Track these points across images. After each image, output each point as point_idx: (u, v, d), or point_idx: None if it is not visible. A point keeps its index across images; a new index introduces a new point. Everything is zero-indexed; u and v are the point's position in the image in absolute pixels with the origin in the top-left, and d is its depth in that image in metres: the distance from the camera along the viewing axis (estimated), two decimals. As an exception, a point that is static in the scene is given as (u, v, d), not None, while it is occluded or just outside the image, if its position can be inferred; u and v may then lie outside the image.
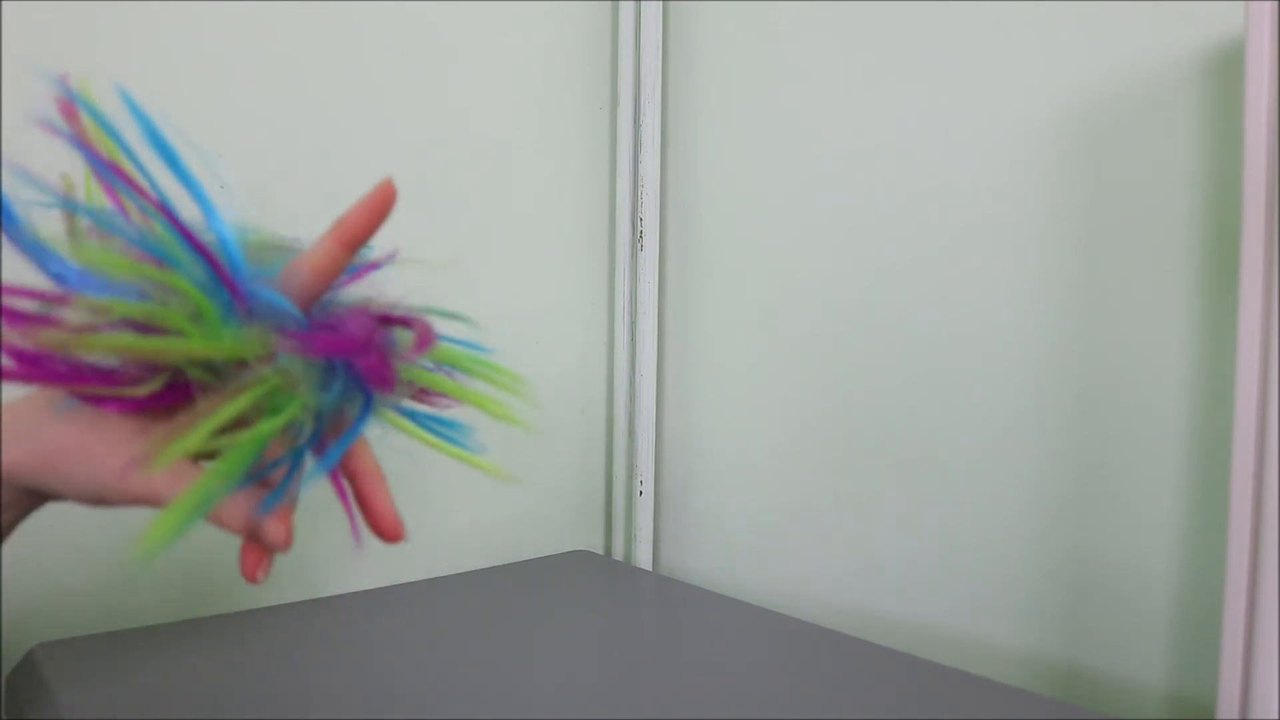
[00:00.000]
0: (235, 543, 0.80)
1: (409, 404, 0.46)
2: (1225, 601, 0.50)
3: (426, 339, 0.43)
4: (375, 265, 0.46)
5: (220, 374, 0.39)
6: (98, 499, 0.41)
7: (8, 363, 0.37)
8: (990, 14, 0.71)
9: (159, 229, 0.40)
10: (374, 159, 0.83)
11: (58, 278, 0.38)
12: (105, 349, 0.38)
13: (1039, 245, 0.69)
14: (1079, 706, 0.63)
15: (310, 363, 0.39)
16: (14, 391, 0.40)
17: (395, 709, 0.56)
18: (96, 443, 0.40)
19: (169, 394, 0.39)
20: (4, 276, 0.37)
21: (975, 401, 0.73)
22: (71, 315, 0.38)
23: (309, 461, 0.42)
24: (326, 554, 0.82)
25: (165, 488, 0.39)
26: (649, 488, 0.95)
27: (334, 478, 0.44)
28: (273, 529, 0.42)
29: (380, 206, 0.42)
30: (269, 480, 0.43)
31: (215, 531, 0.80)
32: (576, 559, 0.91)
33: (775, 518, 0.88)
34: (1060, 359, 0.69)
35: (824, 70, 0.83)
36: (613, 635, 0.73)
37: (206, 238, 0.41)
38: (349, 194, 0.87)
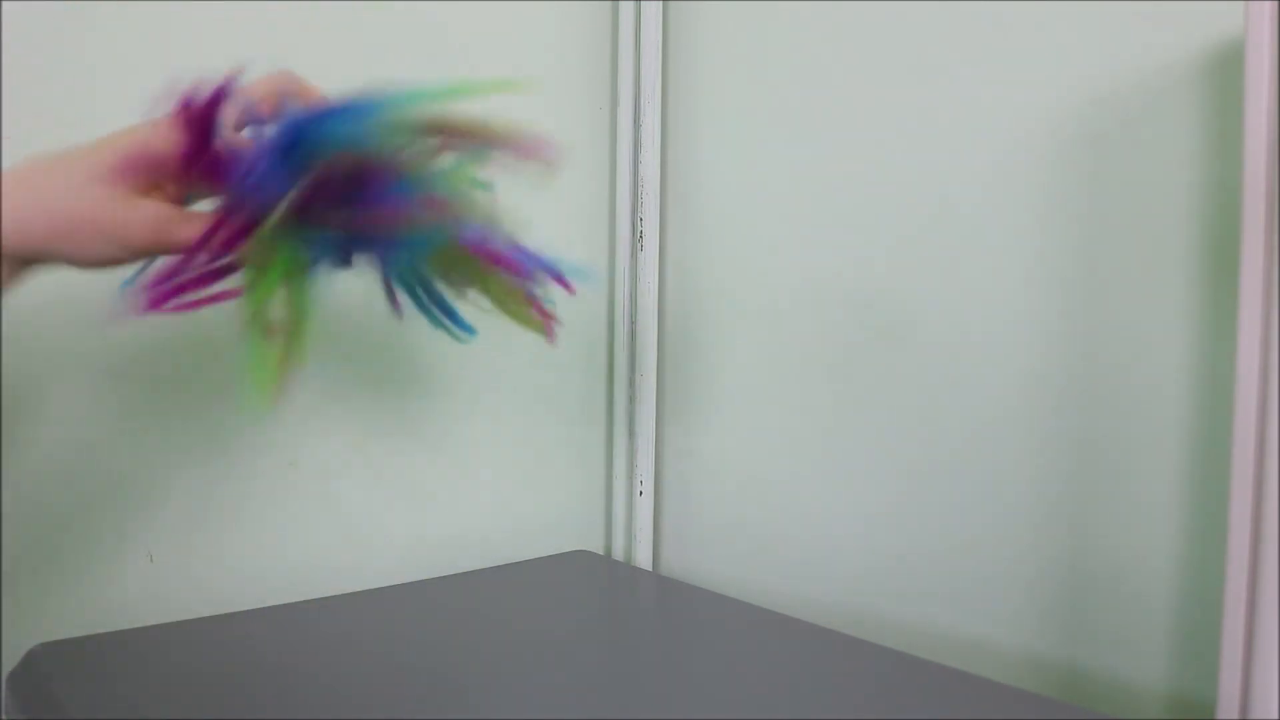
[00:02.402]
0: (233, 545, 0.80)
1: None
2: (1225, 601, 0.50)
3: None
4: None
5: None
6: (111, 262, 0.46)
7: None
8: (990, 14, 0.71)
9: None
10: (374, 159, 0.83)
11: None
12: None
13: (1039, 245, 0.69)
14: (1079, 706, 0.63)
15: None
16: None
17: (395, 709, 0.56)
18: (129, 213, 0.45)
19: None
20: None
21: (976, 401, 0.73)
22: None
23: None
24: (326, 554, 0.82)
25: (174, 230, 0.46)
26: (649, 488, 0.95)
27: None
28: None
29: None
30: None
31: (215, 532, 0.81)
32: (576, 559, 0.91)
33: (775, 517, 0.88)
34: (1060, 359, 0.69)
35: (824, 70, 0.83)
36: (613, 635, 0.73)
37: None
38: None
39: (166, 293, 0.47)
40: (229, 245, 0.46)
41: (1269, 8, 0.48)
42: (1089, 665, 0.67)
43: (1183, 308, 0.63)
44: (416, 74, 0.86)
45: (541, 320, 0.53)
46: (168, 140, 0.46)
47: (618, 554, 0.98)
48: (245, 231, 0.46)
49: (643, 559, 0.95)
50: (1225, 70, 0.60)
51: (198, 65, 0.68)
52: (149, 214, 0.45)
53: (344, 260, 0.48)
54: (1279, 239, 0.48)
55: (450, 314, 0.53)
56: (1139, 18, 0.64)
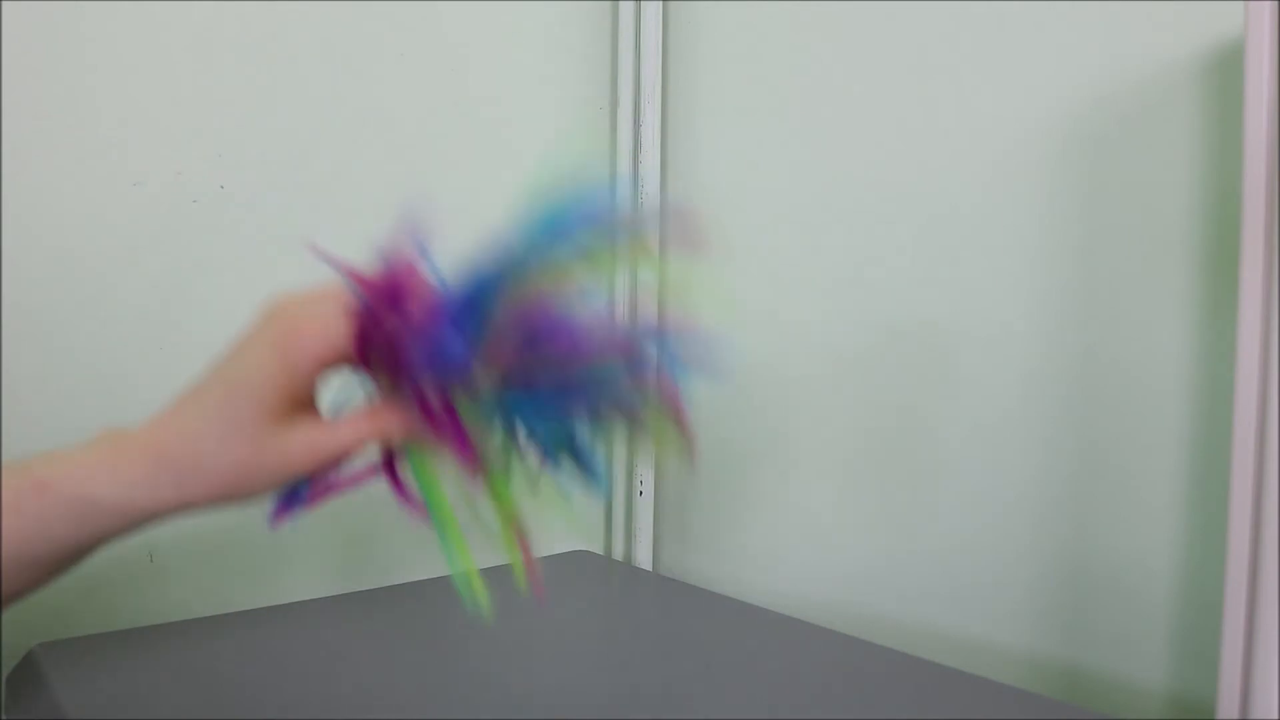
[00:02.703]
0: (232, 543, 0.80)
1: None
2: (1225, 601, 0.50)
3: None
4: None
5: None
6: (267, 489, 0.44)
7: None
8: (990, 14, 0.71)
9: None
10: (375, 159, 0.83)
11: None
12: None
13: (1039, 245, 0.69)
14: (1079, 706, 0.63)
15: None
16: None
17: (395, 709, 0.56)
18: (286, 445, 0.42)
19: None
20: None
21: (975, 401, 0.73)
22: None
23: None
24: (327, 554, 0.82)
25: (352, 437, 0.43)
26: (649, 488, 0.95)
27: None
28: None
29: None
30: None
31: (215, 532, 0.80)
32: (576, 559, 0.91)
33: (775, 518, 0.88)
34: (1060, 359, 0.69)
35: (824, 70, 0.83)
36: (613, 635, 0.72)
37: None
38: (347, 195, 0.87)
39: (321, 491, 0.46)
40: (438, 430, 0.42)
41: (1269, 8, 0.48)
42: (1089, 665, 0.67)
43: (1183, 308, 0.63)
44: (414, 75, 0.86)
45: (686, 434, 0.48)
46: (328, 337, 0.43)
47: (618, 554, 0.98)
48: (449, 416, 0.42)
49: (643, 559, 0.95)
50: (1225, 70, 0.60)
51: (190, 60, 0.68)
52: (305, 439, 0.42)
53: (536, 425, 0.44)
54: (1279, 239, 0.48)
55: (590, 464, 0.48)
56: (1139, 18, 0.64)
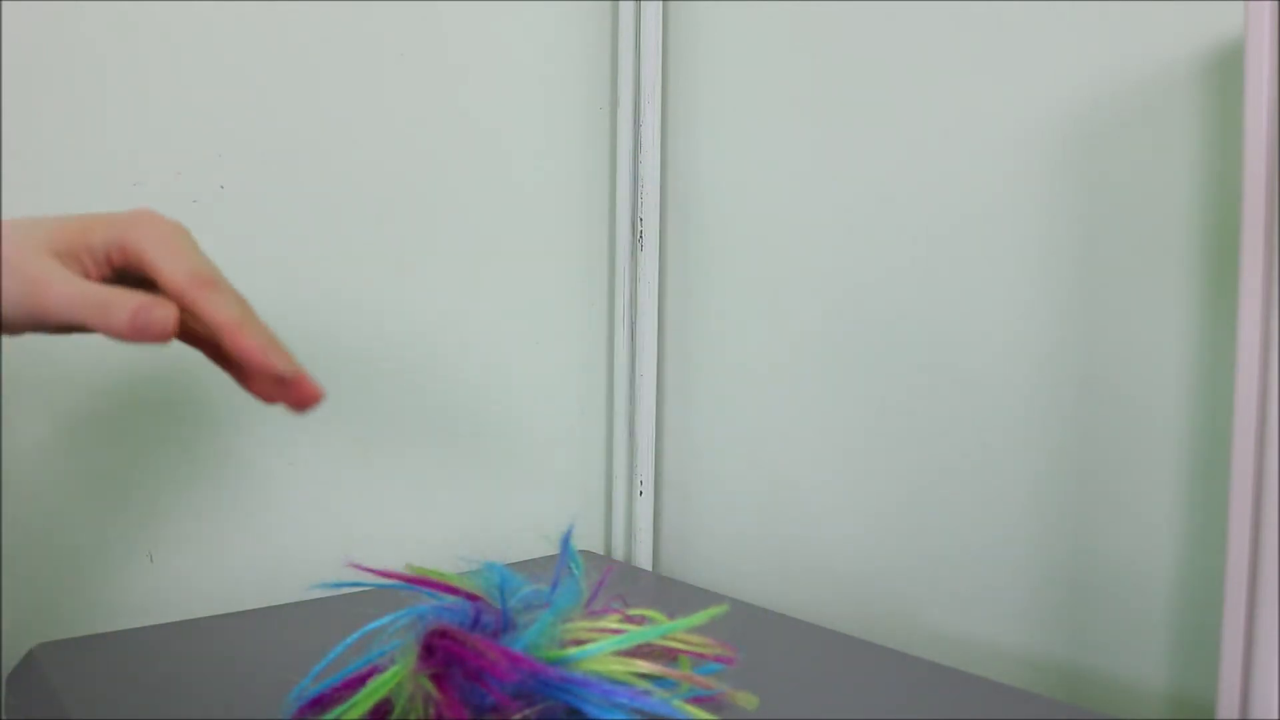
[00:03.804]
0: (232, 543, 0.79)
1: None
2: (1225, 601, 0.50)
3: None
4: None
5: None
6: (27, 329, 0.44)
7: None
8: (989, 15, 0.71)
9: None
10: (373, 160, 0.83)
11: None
12: None
13: (1039, 245, 0.69)
14: (1079, 706, 0.63)
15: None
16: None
17: (395, 709, 0.56)
18: (61, 285, 0.43)
19: None
20: None
21: (975, 401, 0.73)
22: None
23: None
24: (326, 554, 0.82)
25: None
26: (649, 488, 0.95)
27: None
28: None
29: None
30: None
31: (215, 532, 0.80)
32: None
33: (776, 518, 0.88)
34: (1060, 359, 0.69)
35: (824, 70, 0.83)
36: (613, 635, 0.72)
37: None
38: (347, 195, 0.87)
39: (342, 690, 0.49)
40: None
41: (1269, 8, 0.48)
42: (1089, 665, 0.67)
43: (1182, 307, 0.63)
44: (413, 75, 0.86)
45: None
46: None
47: (618, 554, 0.98)
48: None
49: (643, 559, 0.95)
50: (1225, 70, 0.60)
51: (198, 68, 0.68)
52: (76, 292, 0.42)
53: None
54: (1279, 239, 0.48)
55: None
56: (1139, 18, 0.64)
